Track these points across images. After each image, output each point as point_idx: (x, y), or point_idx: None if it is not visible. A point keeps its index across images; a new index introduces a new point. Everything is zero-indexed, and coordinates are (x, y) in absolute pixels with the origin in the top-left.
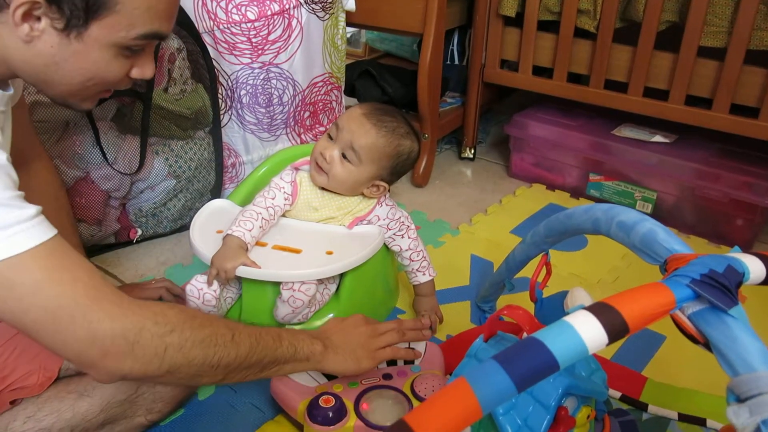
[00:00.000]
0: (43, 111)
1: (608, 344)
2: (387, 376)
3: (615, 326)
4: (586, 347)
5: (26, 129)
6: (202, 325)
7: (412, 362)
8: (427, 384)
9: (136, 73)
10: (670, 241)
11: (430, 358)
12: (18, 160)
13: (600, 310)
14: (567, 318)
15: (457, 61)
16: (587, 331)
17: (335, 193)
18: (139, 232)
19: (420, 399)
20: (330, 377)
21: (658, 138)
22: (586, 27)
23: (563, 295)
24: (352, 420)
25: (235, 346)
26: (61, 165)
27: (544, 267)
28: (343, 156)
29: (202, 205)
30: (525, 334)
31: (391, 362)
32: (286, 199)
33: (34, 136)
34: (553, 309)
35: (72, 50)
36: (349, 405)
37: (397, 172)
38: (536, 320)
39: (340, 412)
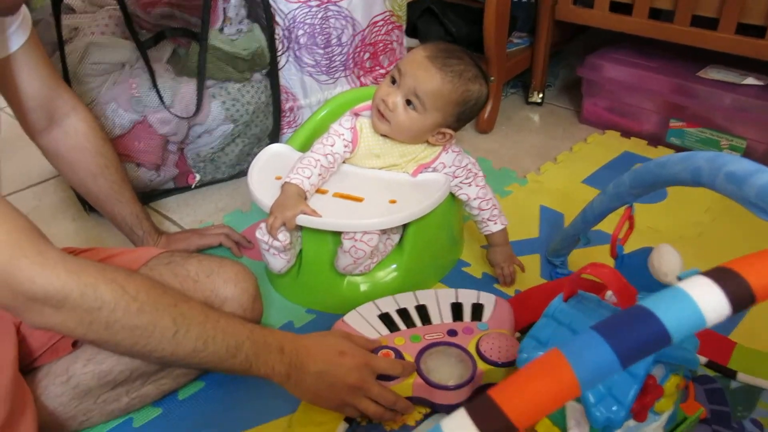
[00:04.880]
0: (99, 52)
1: (731, 316)
2: (452, 332)
3: (740, 295)
4: (704, 319)
5: (47, 77)
6: (141, 310)
7: (480, 318)
8: (493, 344)
9: None
10: None
11: (499, 316)
12: (45, 115)
13: (721, 275)
14: (682, 285)
15: None
16: (707, 300)
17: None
18: (198, 177)
19: (485, 359)
20: (392, 328)
21: (750, 80)
22: None
23: (646, 251)
24: (411, 376)
25: (173, 344)
26: (118, 108)
27: (627, 221)
28: (407, 102)
29: (260, 150)
30: (610, 294)
31: (457, 317)
32: (345, 146)
33: (60, 85)
34: (635, 267)
35: None
36: (410, 360)
37: (464, 118)
38: (625, 281)
39: None
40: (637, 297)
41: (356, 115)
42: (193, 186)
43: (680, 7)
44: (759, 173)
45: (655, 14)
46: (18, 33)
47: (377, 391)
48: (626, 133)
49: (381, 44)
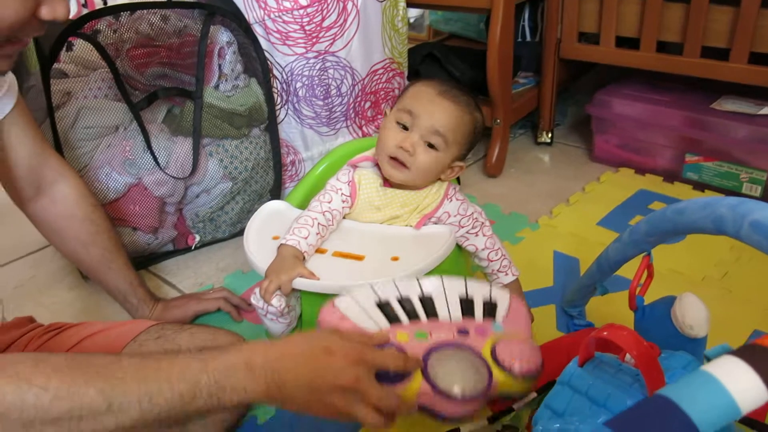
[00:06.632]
0: (91, 116)
1: None
2: (463, 332)
3: None
4: (738, 409)
5: (34, 144)
6: (56, 398)
7: (494, 317)
8: (512, 350)
9: (46, 13)
10: None
11: (514, 317)
12: (32, 183)
13: (755, 355)
14: (710, 369)
15: (528, 38)
16: (740, 386)
17: (398, 188)
18: (197, 238)
19: (503, 368)
20: (393, 320)
21: (766, 110)
22: None
23: (668, 301)
24: (417, 381)
25: (114, 417)
26: (111, 172)
27: (645, 270)
28: (427, 143)
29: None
30: (628, 357)
31: (468, 311)
32: (344, 201)
33: (47, 152)
34: (657, 319)
35: None
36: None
37: (471, 149)
38: (646, 342)
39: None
40: (660, 357)
41: (354, 167)
42: (193, 247)
43: (689, 39)
44: None
45: (663, 47)
46: (4, 101)
47: (376, 394)
48: (640, 170)
49: (382, 92)
